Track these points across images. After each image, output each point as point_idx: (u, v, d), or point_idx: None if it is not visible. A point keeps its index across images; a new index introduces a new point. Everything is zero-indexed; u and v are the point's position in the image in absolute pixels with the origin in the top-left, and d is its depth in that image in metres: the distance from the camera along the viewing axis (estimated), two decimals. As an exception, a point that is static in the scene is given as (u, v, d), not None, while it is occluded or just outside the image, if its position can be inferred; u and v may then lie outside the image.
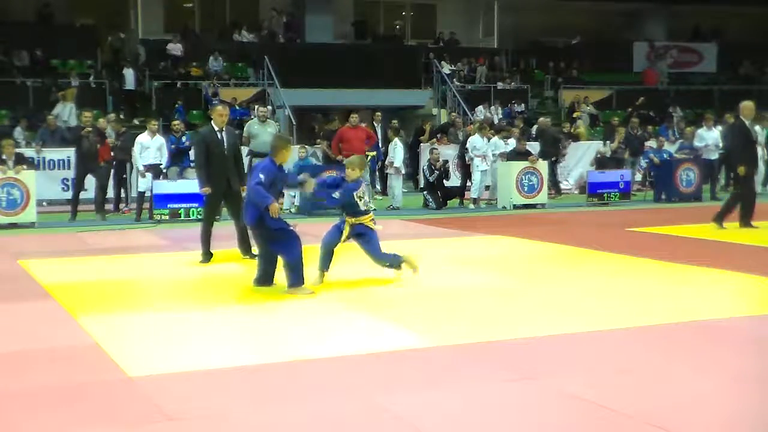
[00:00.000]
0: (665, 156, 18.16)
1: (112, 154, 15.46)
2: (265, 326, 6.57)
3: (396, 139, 16.75)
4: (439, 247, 10.06)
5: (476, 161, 16.36)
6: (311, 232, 12.47)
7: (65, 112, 19.95)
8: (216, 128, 9.72)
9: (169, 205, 14.06)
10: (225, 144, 9.70)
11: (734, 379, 5.09)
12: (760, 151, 19.19)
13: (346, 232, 8.16)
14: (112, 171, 15.65)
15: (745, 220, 12.27)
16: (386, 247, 8.36)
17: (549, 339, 6.02)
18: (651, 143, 19.96)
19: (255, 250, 9.22)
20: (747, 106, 12.36)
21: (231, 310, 7.11)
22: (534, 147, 18.32)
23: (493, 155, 16.69)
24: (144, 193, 14.29)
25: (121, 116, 19.61)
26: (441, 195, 16.31)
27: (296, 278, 7.65)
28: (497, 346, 5.85)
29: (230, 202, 9.77)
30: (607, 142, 19.29)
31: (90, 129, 14.42)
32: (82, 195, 14.71)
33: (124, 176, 15.10)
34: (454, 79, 25.69)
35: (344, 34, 27.86)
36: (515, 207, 15.96)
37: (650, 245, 10.83)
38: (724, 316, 6.67)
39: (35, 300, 7.63)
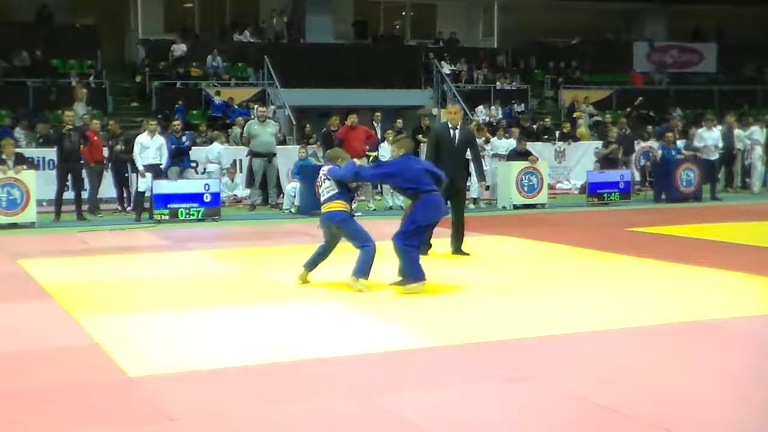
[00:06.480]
0: (674, 153, 17.92)
1: (105, 155, 15.50)
2: (265, 326, 6.56)
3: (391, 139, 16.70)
4: (438, 247, 10.05)
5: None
6: (311, 232, 12.52)
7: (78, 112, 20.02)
8: (450, 126, 10.02)
9: (169, 205, 14.06)
10: (456, 141, 9.93)
11: (735, 379, 5.09)
12: (760, 151, 19.28)
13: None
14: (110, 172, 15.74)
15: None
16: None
17: (549, 339, 6.02)
18: (651, 143, 19.92)
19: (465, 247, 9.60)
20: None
21: (231, 310, 7.10)
22: (534, 147, 18.27)
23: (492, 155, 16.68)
24: (144, 193, 14.29)
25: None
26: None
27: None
28: (497, 346, 5.85)
29: (454, 198, 9.85)
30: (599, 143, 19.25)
31: (71, 128, 14.39)
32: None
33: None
34: (459, 79, 25.69)
35: (344, 34, 27.84)
36: (515, 207, 15.95)
37: (650, 245, 10.82)
38: (725, 316, 6.66)
39: (35, 300, 7.63)
